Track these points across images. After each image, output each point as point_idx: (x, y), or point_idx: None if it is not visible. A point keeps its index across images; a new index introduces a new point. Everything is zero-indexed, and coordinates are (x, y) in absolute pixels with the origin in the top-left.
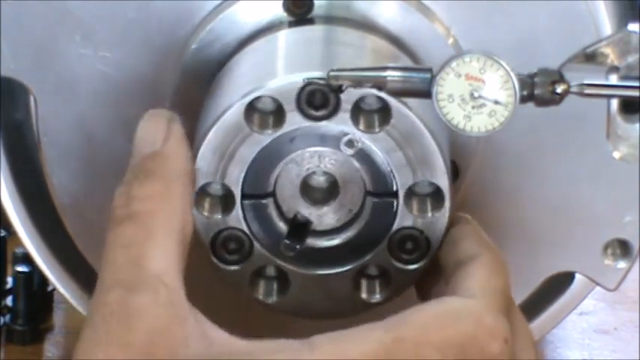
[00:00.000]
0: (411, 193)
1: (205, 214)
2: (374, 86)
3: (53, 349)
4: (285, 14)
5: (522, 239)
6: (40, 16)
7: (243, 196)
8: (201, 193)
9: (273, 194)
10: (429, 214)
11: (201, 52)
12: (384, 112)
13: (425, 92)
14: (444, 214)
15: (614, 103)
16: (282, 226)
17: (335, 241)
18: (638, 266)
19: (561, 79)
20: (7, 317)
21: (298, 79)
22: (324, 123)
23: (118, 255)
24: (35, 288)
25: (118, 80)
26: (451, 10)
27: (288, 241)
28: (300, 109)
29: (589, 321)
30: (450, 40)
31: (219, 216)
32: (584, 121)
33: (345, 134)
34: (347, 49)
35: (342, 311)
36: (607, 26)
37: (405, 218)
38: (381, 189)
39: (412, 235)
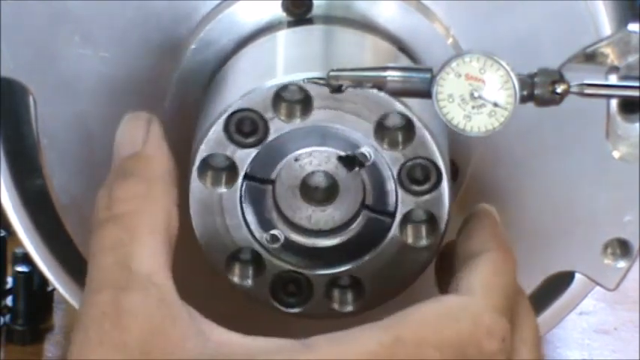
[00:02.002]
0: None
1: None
2: (374, 86)
3: (53, 349)
4: (284, 14)
5: (522, 239)
6: (40, 16)
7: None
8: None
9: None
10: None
11: (200, 52)
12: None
13: (425, 92)
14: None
15: (614, 103)
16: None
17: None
18: (638, 266)
19: (561, 79)
20: (7, 317)
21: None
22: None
23: (104, 258)
24: (35, 288)
25: (117, 80)
26: (451, 10)
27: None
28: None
29: (589, 321)
30: (450, 40)
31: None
32: (583, 121)
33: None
34: (346, 49)
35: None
36: (607, 26)
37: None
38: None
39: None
